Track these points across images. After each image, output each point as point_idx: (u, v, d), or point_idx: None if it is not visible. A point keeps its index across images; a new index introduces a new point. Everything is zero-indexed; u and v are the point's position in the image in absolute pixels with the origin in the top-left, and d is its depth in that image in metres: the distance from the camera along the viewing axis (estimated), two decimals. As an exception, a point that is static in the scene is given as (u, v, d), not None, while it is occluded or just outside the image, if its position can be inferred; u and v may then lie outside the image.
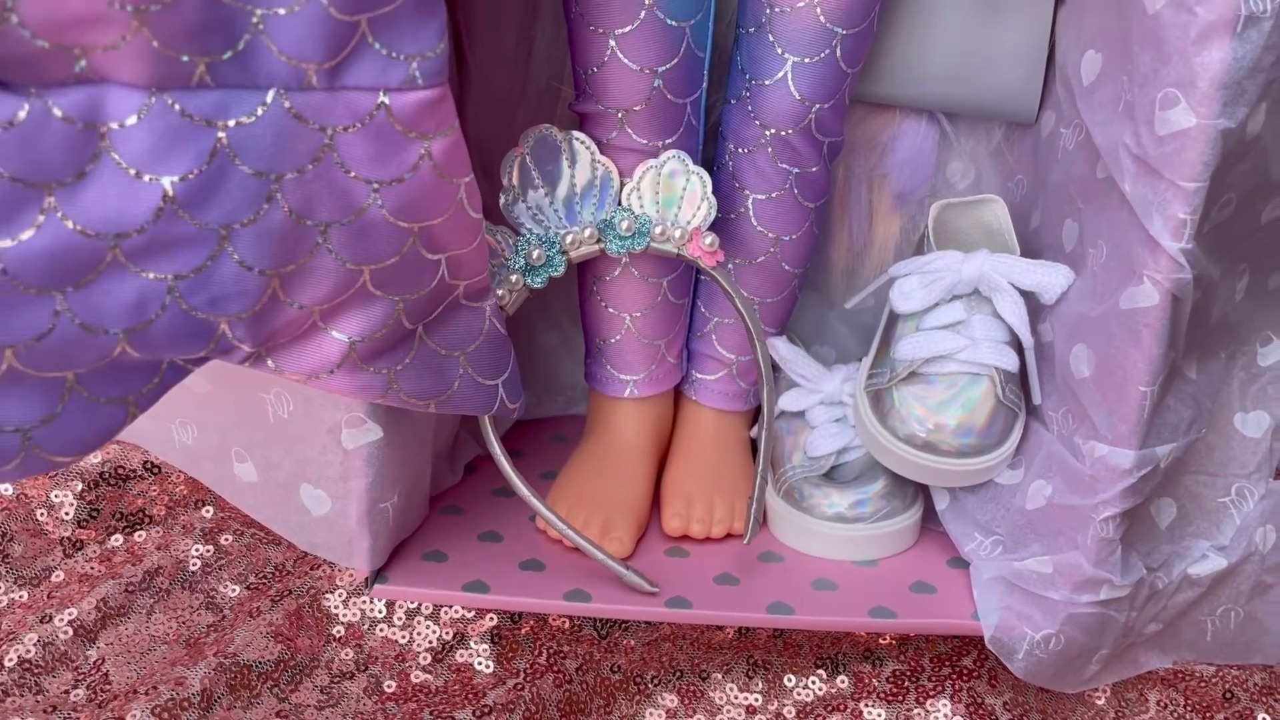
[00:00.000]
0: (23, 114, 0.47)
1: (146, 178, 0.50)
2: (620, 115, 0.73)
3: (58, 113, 0.48)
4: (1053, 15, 0.80)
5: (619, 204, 0.74)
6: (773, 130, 0.75)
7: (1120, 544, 0.68)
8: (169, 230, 0.52)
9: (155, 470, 0.79)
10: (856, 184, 0.87)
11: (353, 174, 0.55)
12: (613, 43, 0.71)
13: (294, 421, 0.68)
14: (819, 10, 0.72)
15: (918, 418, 0.74)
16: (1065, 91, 0.76)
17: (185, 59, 0.49)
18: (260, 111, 0.52)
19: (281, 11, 0.49)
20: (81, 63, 0.48)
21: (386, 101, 0.54)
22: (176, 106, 0.50)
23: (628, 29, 0.70)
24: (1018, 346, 0.75)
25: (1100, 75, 0.70)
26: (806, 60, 0.73)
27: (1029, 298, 0.75)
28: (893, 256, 0.89)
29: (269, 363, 0.60)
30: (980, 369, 0.74)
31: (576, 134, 0.73)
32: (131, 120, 0.50)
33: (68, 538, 0.76)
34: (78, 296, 0.51)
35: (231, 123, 0.51)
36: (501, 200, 0.71)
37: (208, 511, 0.79)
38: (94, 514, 0.77)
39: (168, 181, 0.51)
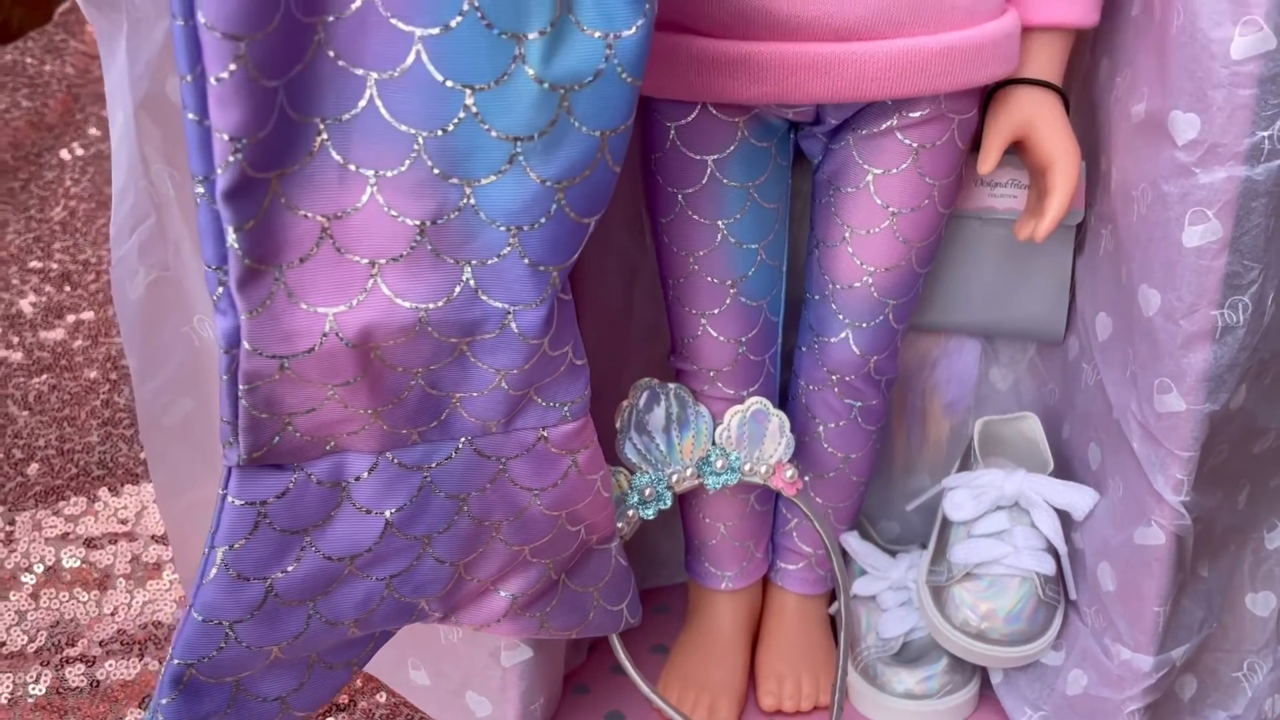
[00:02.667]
0: (291, 485, 0.64)
1: (374, 513, 0.67)
2: (711, 373, 0.88)
3: (314, 479, 0.65)
4: (1072, 260, 0.94)
5: (713, 443, 0.89)
6: (837, 375, 0.90)
7: (1146, 728, 0.82)
8: (388, 546, 0.68)
9: (338, 667, 0.96)
10: (912, 396, 1.02)
11: (519, 486, 0.71)
12: (704, 321, 0.87)
13: (461, 645, 0.85)
14: (873, 289, 0.87)
15: (970, 606, 0.89)
16: (1085, 333, 0.90)
17: (404, 431, 0.66)
18: (454, 454, 0.68)
19: (474, 395, 0.66)
20: (330, 444, 0.65)
21: (546, 435, 0.70)
22: (396, 461, 0.67)
23: (716, 311, 0.86)
24: (1055, 551, 0.89)
25: (1111, 338, 0.84)
26: (863, 325, 0.88)
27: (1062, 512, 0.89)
28: (945, 452, 1.03)
29: (452, 620, 0.76)
30: (1023, 572, 0.88)
31: (674, 385, 0.88)
32: (364, 475, 0.66)
33: (274, 729, 0.93)
34: (323, 603, 0.68)
35: (434, 464, 0.68)
36: (616, 443, 0.87)
37: (381, 696, 0.95)
38: (292, 707, 0.94)
39: (388, 513, 0.67)
